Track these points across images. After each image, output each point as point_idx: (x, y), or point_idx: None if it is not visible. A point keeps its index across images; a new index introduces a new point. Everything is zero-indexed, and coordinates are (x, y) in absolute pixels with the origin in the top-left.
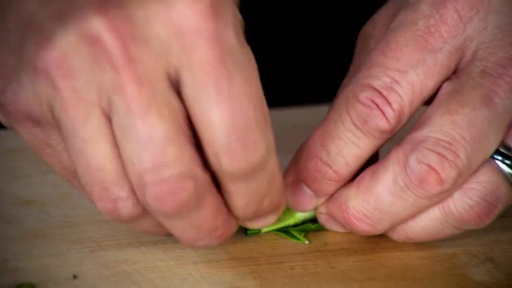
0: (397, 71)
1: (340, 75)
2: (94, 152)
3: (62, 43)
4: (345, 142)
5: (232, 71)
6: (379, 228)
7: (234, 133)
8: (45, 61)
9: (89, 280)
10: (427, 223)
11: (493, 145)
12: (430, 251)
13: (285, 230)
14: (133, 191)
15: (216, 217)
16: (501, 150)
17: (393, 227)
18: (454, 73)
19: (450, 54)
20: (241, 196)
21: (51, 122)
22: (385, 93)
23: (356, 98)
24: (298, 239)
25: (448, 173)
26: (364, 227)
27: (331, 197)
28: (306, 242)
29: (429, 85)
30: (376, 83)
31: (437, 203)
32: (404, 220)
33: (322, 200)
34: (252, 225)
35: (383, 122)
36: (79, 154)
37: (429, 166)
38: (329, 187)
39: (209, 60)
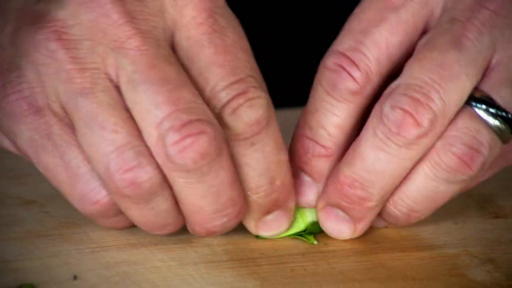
0: (360, 32)
1: None
2: (107, 116)
3: (59, 13)
4: (322, 113)
5: (224, 26)
6: (373, 193)
7: (234, 89)
8: (44, 34)
9: (90, 280)
10: (421, 183)
11: (466, 86)
12: (431, 252)
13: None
14: (152, 157)
15: (233, 186)
16: (477, 96)
17: (386, 191)
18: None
19: (414, 11)
20: (251, 164)
21: (54, 109)
22: (350, 54)
23: (325, 66)
24: (307, 239)
25: (423, 114)
26: (358, 192)
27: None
28: (315, 242)
29: (394, 41)
30: (342, 47)
31: (423, 155)
32: (395, 180)
33: (321, 185)
34: (266, 231)
35: (351, 83)
36: (92, 122)
37: (403, 109)
38: (321, 164)
39: (202, 16)
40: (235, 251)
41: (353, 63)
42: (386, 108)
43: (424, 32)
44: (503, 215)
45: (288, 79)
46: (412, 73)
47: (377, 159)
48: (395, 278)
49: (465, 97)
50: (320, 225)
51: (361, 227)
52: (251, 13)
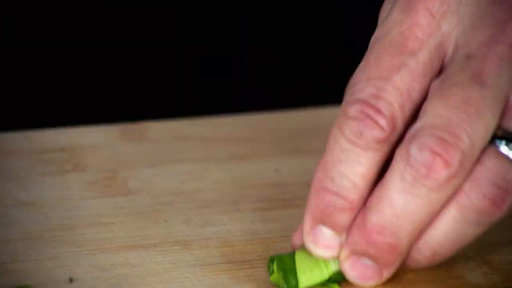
0: (380, 79)
1: (344, 75)
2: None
3: None
4: (346, 163)
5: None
6: (402, 239)
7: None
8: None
9: (86, 282)
10: (447, 226)
11: (491, 124)
12: None
13: None
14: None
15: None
16: (499, 133)
17: (415, 237)
18: (441, 72)
19: (430, 53)
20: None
21: None
22: (373, 102)
23: (346, 115)
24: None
25: (453, 155)
26: (387, 239)
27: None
28: None
29: (416, 87)
30: (362, 96)
31: (450, 198)
32: (424, 225)
33: (343, 237)
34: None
35: (378, 131)
36: None
37: (432, 150)
38: (345, 217)
39: None
40: (231, 254)
41: (378, 110)
42: (413, 151)
43: (440, 72)
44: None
45: (294, 81)
46: (436, 112)
47: (407, 203)
48: (390, 281)
49: (490, 133)
50: (345, 274)
51: (388, 274)
52: (254, 14)
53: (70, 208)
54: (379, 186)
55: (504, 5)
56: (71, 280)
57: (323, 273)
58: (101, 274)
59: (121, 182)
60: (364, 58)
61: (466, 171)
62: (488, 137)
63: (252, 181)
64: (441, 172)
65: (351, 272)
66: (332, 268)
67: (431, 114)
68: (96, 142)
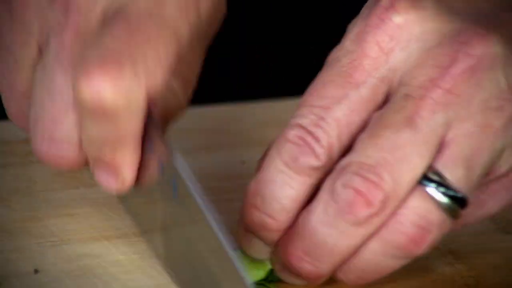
0: (322, 108)
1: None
2: (18, 77)
3: None
4: (278, 184)
5: None
6: (323, 267)
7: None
8: None
9: (51, 274)
10: (369, 257)
11: (419, 167)
12: None
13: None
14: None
15: None
16: (430, 176)
17: (336, 265)
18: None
19: (374, 87)
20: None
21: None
22: (312, 130)
23: (286, 138)
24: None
25: (374, 195)
26: (306, 267)
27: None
28: None
29: (356, 119)
30: (303, 122)
31: (372, 233)
32: (344, 256)
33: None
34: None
35: (313, 159)
36: (7, 75)
37: (355, 189)
38: (272, 235)
39: None
40: None
41: (315, 138)
42: (338, 187)
43: (384, 104)
44: None
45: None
46: (365, 151)
47: (328, 235)
48: None
49: (418, 176)
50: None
51: (318, 283)
52: (254, 13)
53: (34, 199)
54: (305, 212)
55: (450, 49)
56: (36, 272)
57: (260, 272)
58: (66, 265)
59: (86, 173)
60: (315, 80)
61: (389, 210)
62: (415, 179)
63: (218, 173)
64: (362, 211)
65: (285, 278)
66: (268, 266)
67: (361, 152)
68: None
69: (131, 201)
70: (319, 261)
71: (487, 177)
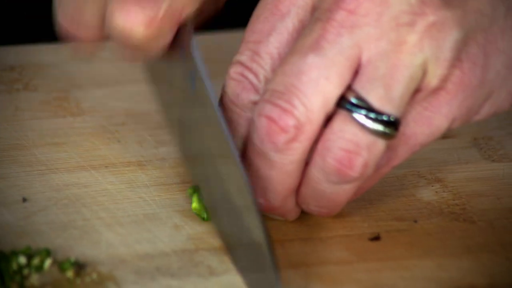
0: (255, 43)
1: None
2: None
3: None
4: (229, 122)
5: None
6: (272, 199)
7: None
8: None
9: (39, 202)
10: (314, 185)
11: (329, 90)
12: None
13: None
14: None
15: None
16: (350, 97)
17: (283, 195)
18: None
19: (299, 16)
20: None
21: None
22: (249, 65)
23: (229, 75)
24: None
25: (286, 121)
26: (260, 200)
27: None
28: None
29: (286, 49)
30: (241, 58)
31: (301, 158)
32: (285, 185)
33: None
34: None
35: (252, 92)
36: None
37: (267, 117)
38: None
39: None
40: (187, 173)
41: (255, 74)
42: (255, 117)
43: None
44: (451, 135)
45: None
46: (275, 78)
47: (260, 166)
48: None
49: (330, 100)
50: None
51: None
52: None
53: (21, 128)
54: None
55: None
56: (24, 200)
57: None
58: (54, 194)
59: (73, 102)
60: (252, 16)
61: (308, 135)
62: (327, 102)
63: None
64: (277, 137)
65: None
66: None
67: (273, 79)
68: (46, 62)
69: (154, 69)
70: (265, 193)
71: (421, 93)
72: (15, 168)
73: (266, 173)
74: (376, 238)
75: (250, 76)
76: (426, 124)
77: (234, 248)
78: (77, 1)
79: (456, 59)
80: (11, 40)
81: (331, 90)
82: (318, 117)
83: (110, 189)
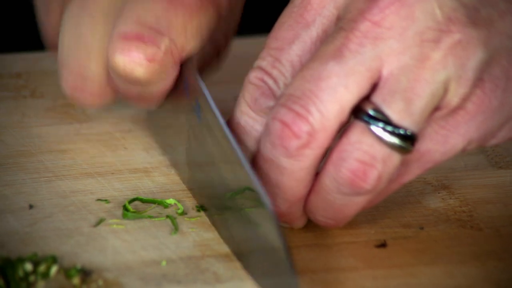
0: (277, 49)
1: None
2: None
3: None
4: (244, 127)
5: None
6: (280, 204)
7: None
8: None
9: (45, 209)
10: (324, 195)
11: (345, 99)
12: None
13: None
14: None
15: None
16: (369, 109)
17: (290, 202)
18: None
19: (324, 25)
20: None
21: None
22: (269, 71)
23: (248, 79)
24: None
25: (300, 127)
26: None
27: None
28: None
29: (308, 57)
30: (262, 64)
31: (312, 166)
32: (293, 191)
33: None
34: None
35: (271, 98)
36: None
37: (281, 121)
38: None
39: None
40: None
41: (274, 80)
42: (269, 120)
43: None
44: None
45: None
46: (294, 83)
47: (270, 171)
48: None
49: (346, 109)
50: None
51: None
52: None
53: (27, 134)
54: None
55: None
56: (30, 207)
57: None
58: (60, 201)
59: (79, 108)
60: (276, 23)
61: (321, 143)
62: (343, 111)
63: None
64: (290, 143)
65: None
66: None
67: (292, 84)
68: (53, 68)
69: (159, 116)
70: (274, 198)
71: (440, 112)
72: (21, 175)
73: (275, 179)
74: (383, 245)
75: (270, 82)
76: (442, 142)
77: (247, 254)
78: (81, 60)
79: (479, 79)
80: (17, 47)
81: (349, 99)
82: (332, 125)
83: (116, 195)
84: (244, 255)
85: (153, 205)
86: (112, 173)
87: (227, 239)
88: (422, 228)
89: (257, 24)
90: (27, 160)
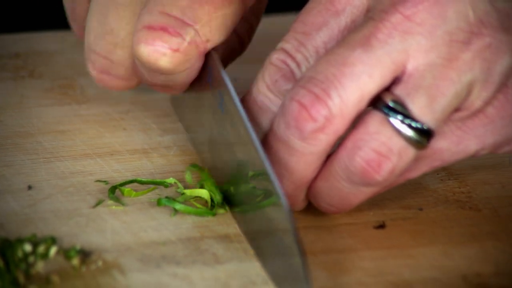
0: (304, 34)
1: None
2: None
3: None
4: (260, 106)
5: None
6: (286, 186)
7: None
8: None
9: (44, 190)
10: (332, 182)
11: (368, 88)
12: None
13: None
14: None
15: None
16: (389, 100)
17: (297, 185)
18: None
19: (353, 15)
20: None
21: None
22: (293, 54)
23: (269, 60)
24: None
25: (318, 109)
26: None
27: None
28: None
29: (333, 44)
30: (286, 46)
31: (324, 151)
32: (301, 174)
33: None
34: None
35: (292, 81)
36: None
37: (299, 102)
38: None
39: None
40: (191, 161)
41: (297, 64)
42: (286, 100)
43: None
44: None
45: None
46: (317, 66)
47: (280, 151)
48: None
49: (366, 98)
50: None
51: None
52: None
53: (26, 115)
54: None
55: None
56: (29, 188)
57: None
58: (59, 182)
59: (78, 89)
60: (304, 7)
61: (336, 129)
62: (363, 99)
63: None
64: (305, 125)
65: None
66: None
67: (314, 67)
68: (52, 49)
69: (184, 99)
70: (280, 179)
71: (460, 113)
72: (20, 155)
73: (284, 160)
74: (381, 226)
75: (293, 65)
76: (456, 142)
77: (258, 238)
78: (108, 45)
79: (503, 85)
80: (16, 28)
81: (370, 89)
82: (350, 112)
83: (115, 176)
84: (254, 238)
85: (153, 186)
86: (111, 154)
87: (245, 227)
88: (421, 209)
89: (277, 2)
90: (26, 141)
